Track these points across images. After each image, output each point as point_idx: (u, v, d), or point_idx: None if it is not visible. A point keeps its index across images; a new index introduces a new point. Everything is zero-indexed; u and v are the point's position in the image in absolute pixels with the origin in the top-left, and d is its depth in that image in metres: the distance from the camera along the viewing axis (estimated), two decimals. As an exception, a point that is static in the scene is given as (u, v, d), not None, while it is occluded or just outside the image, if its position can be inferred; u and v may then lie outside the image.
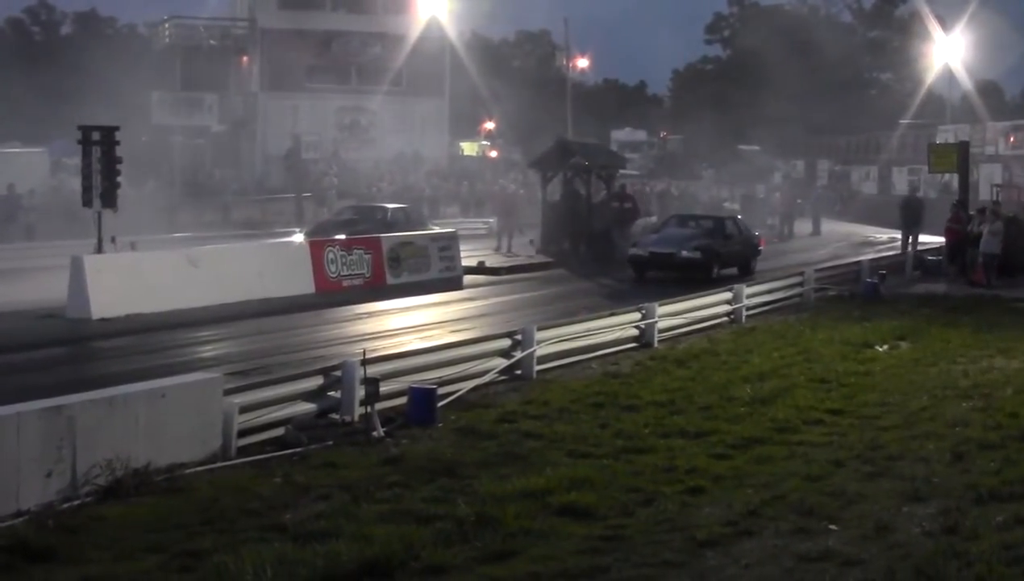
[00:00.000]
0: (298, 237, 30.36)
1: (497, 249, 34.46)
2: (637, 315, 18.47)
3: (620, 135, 72.62)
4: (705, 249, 28.39)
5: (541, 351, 15.84)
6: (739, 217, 33.49)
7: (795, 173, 59.36)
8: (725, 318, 21.05)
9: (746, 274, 28.43)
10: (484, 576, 8.12)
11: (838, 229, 46.28)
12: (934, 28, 63.49)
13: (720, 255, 28.74)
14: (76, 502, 9.66)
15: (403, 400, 12.84)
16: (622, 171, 40.86)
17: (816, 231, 45.08)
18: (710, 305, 20.93)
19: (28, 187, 40.60)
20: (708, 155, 58.08)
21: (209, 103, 57.54)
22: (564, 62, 63.07)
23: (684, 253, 28.18)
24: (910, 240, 33.33)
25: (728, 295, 21.46)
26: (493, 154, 62.83)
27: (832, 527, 9.21)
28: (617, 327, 17.97)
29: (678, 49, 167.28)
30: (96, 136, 21.40)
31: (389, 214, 32.58)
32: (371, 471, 10.75)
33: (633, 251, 29.12)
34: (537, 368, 15.68)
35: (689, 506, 9.77)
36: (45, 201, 39.75)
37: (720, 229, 30.07)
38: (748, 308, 21.70)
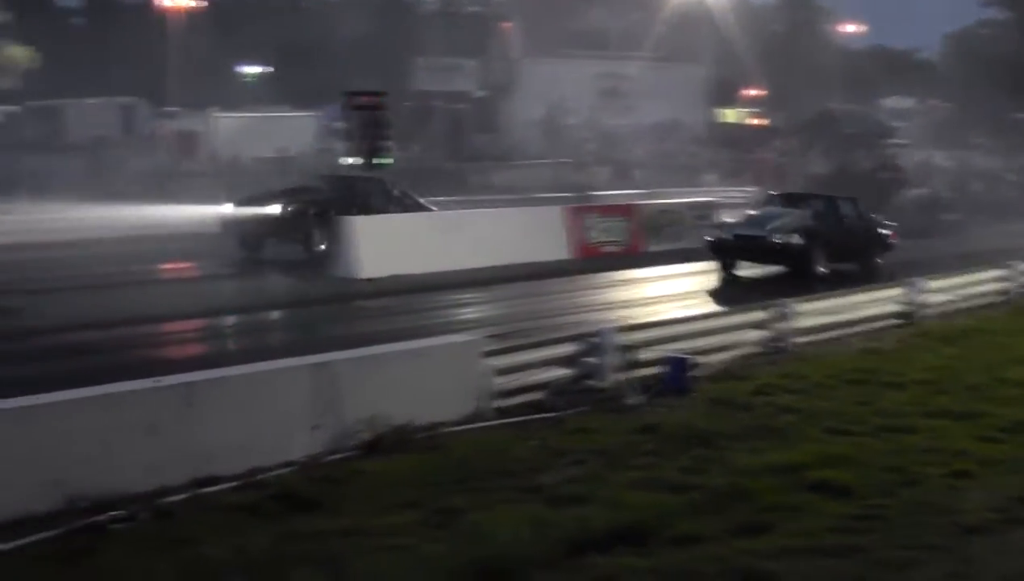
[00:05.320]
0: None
1: None
2: (901, 290, 17.82)
3: (888, 103, 70.15)
4: (808, 234, 22.68)
5: (799, 324, 15.49)
6: (860, 201, 25.55)
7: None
8: (998, 297, 20.04)
9: (866, 272, 22.96)
10: (738, 549, 8.00)
11: None
12: None
13: (830, 244, 22.94)
14: (340, 456, 10.00)
15: (659, 369, 12.77)
16: (890, 140, 39.50)
17: None
18: (982, 282, 19.98)
19: (298, 150, 42.41)
20: (982, 124, 55.54)
21: (470, 69, 58.54)
22: (830, 26, 61.30)
23: (777, 238, 22.52)
24: None
25: (1003, 272, 20.43)
26: (754, 122, 61.75)
27: (1114, 519, 8.67)
28: (879, 302, 17.40)
29: (951, 12, 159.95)
30: (363, 101, 22.10)
31: (356, 187, 25.73)
32: (625, 438, 10.74)
33: (714, 234, 23.60)
34: (795, 341, 15.33)
35: (954, 490, 9.36)
36: (314, 164, 41.38)
37: (832, 211, 24.04)
38: (1025, 286, 20.49)
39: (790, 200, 24.88)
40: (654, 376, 12.73)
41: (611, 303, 19.33)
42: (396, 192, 25.31)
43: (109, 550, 7.90)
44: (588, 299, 20.02)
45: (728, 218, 23.85)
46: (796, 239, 22.49)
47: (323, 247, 23.06)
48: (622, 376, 12.35)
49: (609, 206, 26.37)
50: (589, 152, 48.45)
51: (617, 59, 58.88)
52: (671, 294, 20.94)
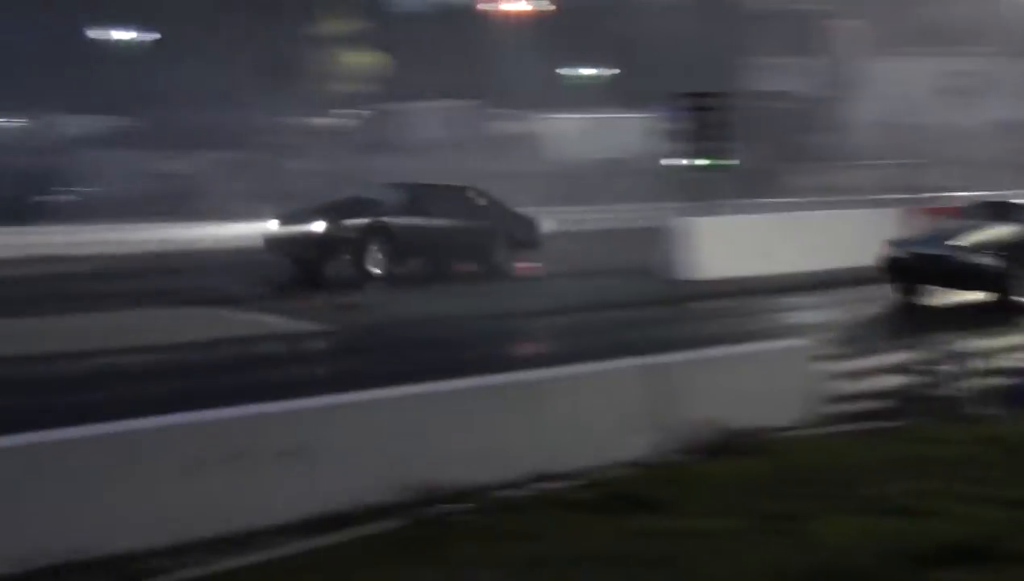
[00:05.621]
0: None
1: None
2: None
3: None
4: (1009, 253, 18.54)
5: None
6: None
7: None
8: None
9: None
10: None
11: None
12: None
13: None
14: (672, 457, 10.06)
15: (1010, 379, 12.21)
16: None
17: None
18: None
19: (630, 152, 42.81)
20: None
21: (802, 68, 57.38)
22: None
23: (968, 258, 18.64)
24: None
25: None
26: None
27: None
28: None
29: None
30: (703, 101, 22.17)
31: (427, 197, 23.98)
32: (969, 449, 10.29)
33: (891, 252, 19.53)
34: None
35: None
36: (645, 165, 41.66)
37: None
38: None
39: (991, 211, 20.51)
40: (1003, 386, 12.18)
41: (952, 308, 18.54)
42: (481, 201, 23.90)
43: (455, 542, 8.19)
44: (925, 303, 19.25)
45: (912, 231, 20.88)
46: (990, 261, 18.56)
47: (378, 271, 22.00)
48: (966, 385, 11.88)
49: (949, 208, 25.20)
50: (930, 152, 46.62)
51: (957, 55, 56.41)
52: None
